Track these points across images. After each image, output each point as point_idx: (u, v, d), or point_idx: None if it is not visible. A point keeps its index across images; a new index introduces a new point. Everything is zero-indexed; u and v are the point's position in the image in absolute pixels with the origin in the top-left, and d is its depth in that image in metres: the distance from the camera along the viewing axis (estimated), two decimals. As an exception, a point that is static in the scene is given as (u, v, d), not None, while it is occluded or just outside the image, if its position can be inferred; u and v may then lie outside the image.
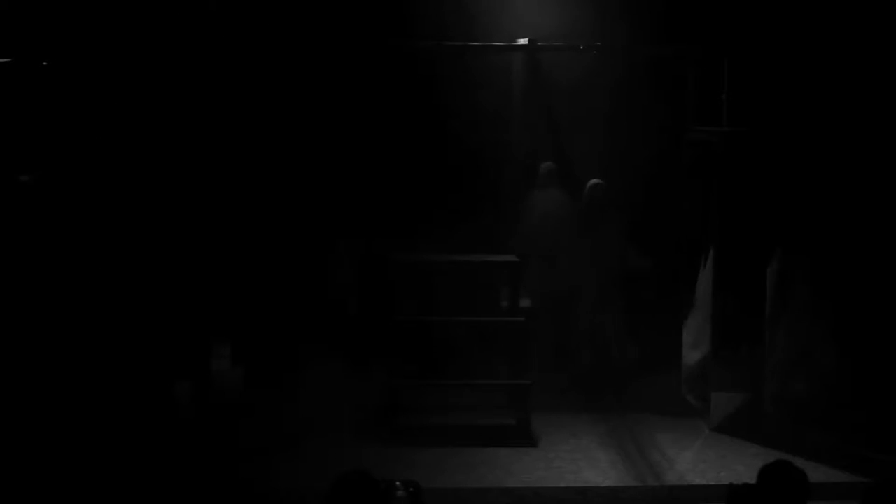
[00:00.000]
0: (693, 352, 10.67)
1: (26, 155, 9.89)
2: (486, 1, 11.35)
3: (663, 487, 8.74)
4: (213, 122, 10.55)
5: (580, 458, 9.33)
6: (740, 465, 9.11)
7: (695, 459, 9.24)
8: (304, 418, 9.69)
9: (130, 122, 10.10)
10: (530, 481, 8.80)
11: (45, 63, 10.01)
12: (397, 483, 5.08)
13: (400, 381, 9.87)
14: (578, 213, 11.32)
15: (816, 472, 8.72)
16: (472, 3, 11.35)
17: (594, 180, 11.31)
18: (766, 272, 10.01)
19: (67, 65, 10.10)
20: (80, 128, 10.19)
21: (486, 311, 10.58)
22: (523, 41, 10.78)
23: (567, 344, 11.23)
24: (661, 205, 11.15)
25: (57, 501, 8.11)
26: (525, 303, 11.07)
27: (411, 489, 5.10)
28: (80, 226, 9.74)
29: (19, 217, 9.65)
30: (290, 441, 9.31)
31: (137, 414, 9.14)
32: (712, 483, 8.70)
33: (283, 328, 10.53)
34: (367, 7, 11.15)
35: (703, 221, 10.44)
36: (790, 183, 10.20)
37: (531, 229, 11.50)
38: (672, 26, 11.30)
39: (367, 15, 11.10)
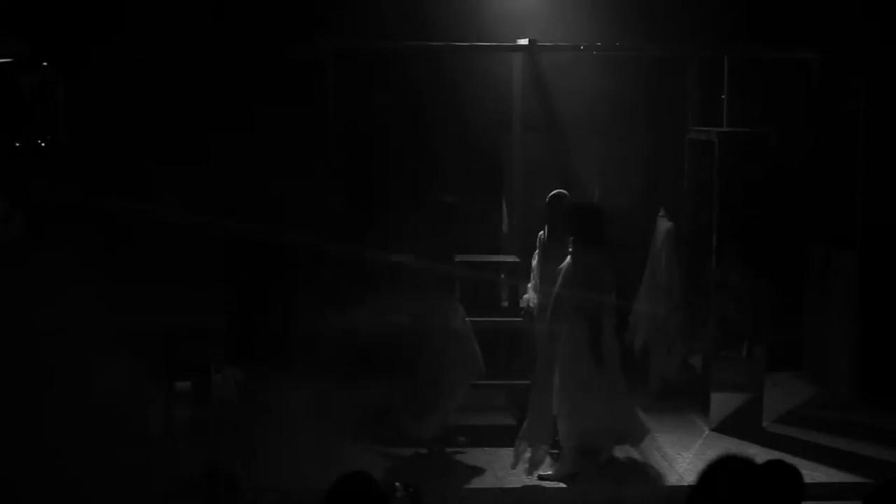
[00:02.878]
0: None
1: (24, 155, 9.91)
2: (488, 1, 11.36)
3: (663, 487, 8.74)
4: (209, 122, 10.57)
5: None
6: (740, 465, 9.09)
7: (695, 459, 9.22)
8: (304, 419, 9.68)
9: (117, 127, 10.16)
10: (530, 481, 8.80)
11: (45, 63, 10.02)
12: (397, 483, 5.09)
13: (400, 380, 9.85)
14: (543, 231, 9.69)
15: (816, 472, 8.75)
16: (473, 4, 11.36)
17: (555, 190, 9.57)
18: (765, 271, 10.02)
19: (67, 64, 10.12)
20: (78, 130, 10.21)
21: (486, 311, 10.56)
22: (523, 41, 10.76)
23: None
24: (660, 205, 11.12)
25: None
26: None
27: (411, 489, 5.11)
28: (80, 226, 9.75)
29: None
30: (290, 441, 9.30)
31: (136, 414, 9.13)
32: (712, 483, 8.69)
33: (283, 329, 10.52)
34: (368, 7, 11.16)
35: (705, 221, 10.44)
36: (790, 182, 10.22)
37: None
38: (673, 27, 11.31)
39: (368, 15, 11.11)
